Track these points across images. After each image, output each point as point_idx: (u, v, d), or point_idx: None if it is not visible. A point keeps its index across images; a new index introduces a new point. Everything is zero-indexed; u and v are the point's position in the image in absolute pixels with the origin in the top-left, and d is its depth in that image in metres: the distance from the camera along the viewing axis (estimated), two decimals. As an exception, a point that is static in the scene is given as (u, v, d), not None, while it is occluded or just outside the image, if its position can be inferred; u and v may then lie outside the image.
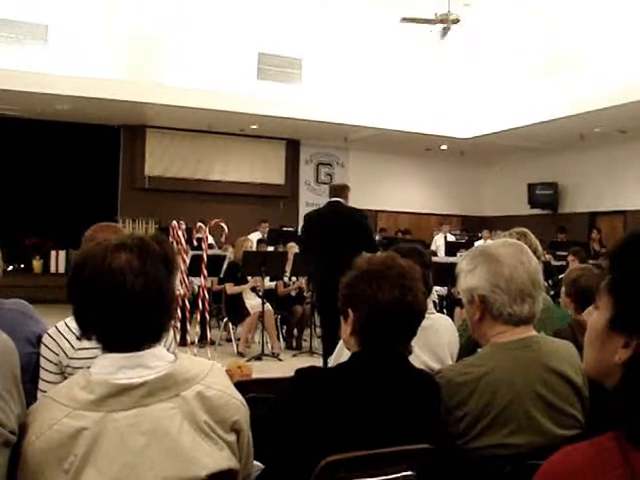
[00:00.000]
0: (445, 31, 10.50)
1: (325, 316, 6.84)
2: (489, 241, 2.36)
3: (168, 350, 1.63)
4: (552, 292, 7.93)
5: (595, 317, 1.13)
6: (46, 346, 2.39)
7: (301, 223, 16.21)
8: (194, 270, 8.05)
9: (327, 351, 6.60)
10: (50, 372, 2.38)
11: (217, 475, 1.54)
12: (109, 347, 1.53)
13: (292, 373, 1.94)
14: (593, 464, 1.00)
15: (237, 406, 1.61)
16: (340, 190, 6.89)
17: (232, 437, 1.58)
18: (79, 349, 2.34)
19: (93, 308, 1.51)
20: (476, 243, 12.96)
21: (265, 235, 12.64)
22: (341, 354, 2.65)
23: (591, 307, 1.19)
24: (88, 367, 1.56)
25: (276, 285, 9.42)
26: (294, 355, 8.73)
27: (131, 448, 1.44)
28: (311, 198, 16.41)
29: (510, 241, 2.21)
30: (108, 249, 1.51)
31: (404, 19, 10.68)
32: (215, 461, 1.53)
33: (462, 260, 2.17)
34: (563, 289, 3.67)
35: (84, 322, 1.55)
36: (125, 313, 1.49)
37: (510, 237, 3.33)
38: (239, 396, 1.64)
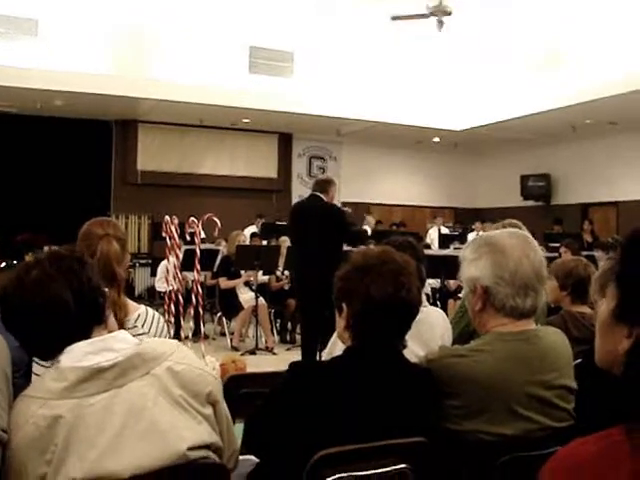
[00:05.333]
0: (441, 23, 10.47)
1: (304, 309, 6.77)
2: (490, 232, 2.32)
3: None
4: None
5: (603, 307, 1.13)
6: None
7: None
8: (187, 265, 8.03)
9: (306, 345, 6.51)
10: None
11: (199, 450, 1.55)
12: (64, 346, 1.56)
13: (286, 367, 1.94)
14: (603, 457, 0.97)
15: (208, 378, 1.65)
16: (318, 184, 6.80)
17: (209, 410, 1.61)
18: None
19: (33, 322, 1.56)
20: (469, 235, 12.98)
21: (259, 229, 12.64)
22: (335, 347, 2.65)
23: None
24: None
25: (269, 279, 9.41)
26: (288, 349, 8.73)
27: (109, 430, 1.45)
28: (303, 192, 16.33)
29: (517, 232, 2.17)
30: (21, 271, 1.61)
31: (395, 17, 10.63)
32: (195, 434, 1.55)
33: (466, 248, 2.14)
34: (554, 282, 3.66)
35: (31, 339, 1.61)
36: (60, 311, 1.55)
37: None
38: (209, 369, 1.68)
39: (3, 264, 12.55)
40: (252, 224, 13.00)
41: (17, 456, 1.44)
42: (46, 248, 13.17)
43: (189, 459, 1.52)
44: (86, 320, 1.59)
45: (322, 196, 6.57)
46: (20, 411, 1.48)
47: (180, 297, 7.76)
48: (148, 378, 1.54)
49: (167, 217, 7.63)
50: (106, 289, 1.73)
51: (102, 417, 1.46)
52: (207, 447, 1.59)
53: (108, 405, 1.47)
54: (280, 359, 7.79)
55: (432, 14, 10.48)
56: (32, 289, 1.56)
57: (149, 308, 2.56)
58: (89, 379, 1.49)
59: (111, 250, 2.33)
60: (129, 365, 1.53)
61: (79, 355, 1.53)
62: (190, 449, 1.52)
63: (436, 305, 8.01)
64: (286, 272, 9.62)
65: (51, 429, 1.43)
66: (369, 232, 6.98)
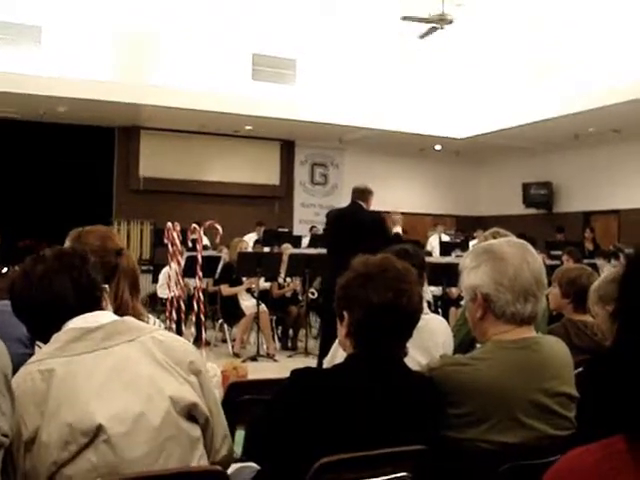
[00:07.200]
0: (427, 32, 10.56)
1: (327, 316, 6.80)
2: (489, 241, 2.34)
3: None
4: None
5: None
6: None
7: (295, 224, 16.28)
8: (189, 271, 8.03)
9: (323, 352, 6.57)
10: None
11: (187, 421, 1.65)
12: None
13: (287, 374, 1.94)
14: (602, 467, 0.96)
15: (190, 349, 1.79)
16: (360, 193, 6.91)
17: (193, 379, 1.71)
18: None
19: (36, 312, 1.77)
20: (471, 243, 12.97)
21: (260, 236, 12.63)
22: (336, 355, 2.66)
23: None
24: None
25: (271, 286, 9.41)
26: (289, 356, 8.73)
27: (95, 380, 1.59)
28: (306, 199, 16.40)
29: (515, 240, 2.19)
30: (28, 266, 1.79)
31: (405, 17, 10.69)
32: (177, 389, 1.65)
33: (465, 257, 2.15)
34: (556, 289, 3.66)
35: (35, 325, 1.83)
36: (61, 303, 1.74)
37: (486, 239, 3.29)
38: (190, 344, 1.85)
39: (5, 269, 12.57)
40: (252, 232, 12.98)
41: (18, 414, 1.54)
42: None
43: (172, 415, 1.61)
44: (84, 310, 1.76)
45: (363, 205, 6.68)
46: (20, 374, 1.63)
47: (182, 304, 7.76)
48: (133, 344, 1.68)
49: (169, 224, 7.64)
50: (108, 284, 1.95)
51: (89, 370, 1.60)
52: (192, 408, 1.65)
53: (95, 363, 1.63)
54: (281, 366, 7.79)
55: (438, 22, 10.53)
56: (37, 284, 1.75)
57: (150, 315, 2.58)
58: (78, 339, 1.65)
59: (134, 264, 2.52)
60: (114, 329, 1.70)
61: (75, 326, 1.71)
62: (173, 403, 1.62)
63: (438, 313, 8.00)
64: (288, 279, 9.61)
65: (45, 382, 1.58)
66: (400, 232, 7.18)
